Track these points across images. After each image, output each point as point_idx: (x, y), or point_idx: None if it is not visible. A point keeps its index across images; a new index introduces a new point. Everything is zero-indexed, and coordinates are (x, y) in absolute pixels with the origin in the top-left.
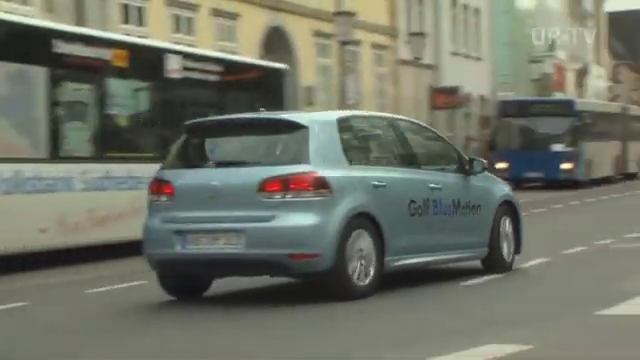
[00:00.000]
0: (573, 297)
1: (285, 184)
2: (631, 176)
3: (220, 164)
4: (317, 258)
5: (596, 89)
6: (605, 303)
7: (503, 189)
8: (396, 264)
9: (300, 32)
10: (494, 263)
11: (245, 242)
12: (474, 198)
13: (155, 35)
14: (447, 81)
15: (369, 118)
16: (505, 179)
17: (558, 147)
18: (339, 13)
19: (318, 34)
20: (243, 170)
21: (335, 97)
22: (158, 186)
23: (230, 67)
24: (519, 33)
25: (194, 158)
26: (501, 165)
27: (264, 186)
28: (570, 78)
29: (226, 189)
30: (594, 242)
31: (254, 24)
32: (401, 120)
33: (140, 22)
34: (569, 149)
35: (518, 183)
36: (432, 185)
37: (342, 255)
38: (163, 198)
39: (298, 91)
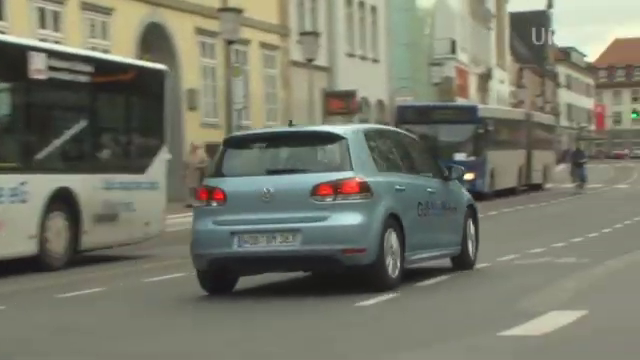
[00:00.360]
0: (475, 317)
1: (335, 188)
2: (536, 187)
3: (271, 172)
4: (364, 253)
5: (499, 94)
6: (507, 324)
7: (466, 194)
8: (412, 259)
9: (182, 29)
10: (463, 261)
11: (301, 240)
12: (452, 201)
13: (17, 31)
14: (342, 84)
15: (381, 131)
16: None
17: (460, 156)
18: (224, 9)
19: (201, 32)
20: (295, 177)
21: (221, 101)
22: (208, 193)
23: (102, 67)
24: (418, 33)
25: (240, 167)
26: None
27: (317, 190)
28: (473, 82)
29: (280, 194)
30: (497, 258)
31: (130, 20)
32: (400, 132)
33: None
34: (472, 158)
35: None
36: (429, 189)
37: (382, 250)
38: (214, 204)
39: (180, 94)
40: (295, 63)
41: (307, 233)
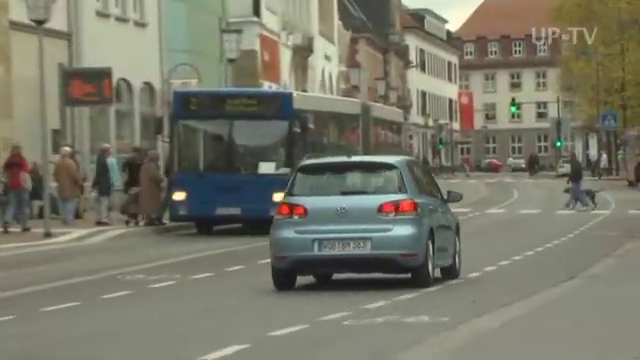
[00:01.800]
0: None
1: (396, 207)
2: None
3: (344, 192)
4: (416, 257)
5: (325, 76)
6: None
7: (455, 216)
8: (437, 263)
9: None
10: (451, 272)
11: (370, 246)
12: (449, 220)
13: None
14: (90, 59)
15: (414, 161)
16: (183, 218)
17: (266, 167)
18: None
19: None
20: (364, 197)
21: None
22: (289, 209)
23: None
24: None
25: (316, 188)
26: (178, 196)
27: (382, 208)
28: (285, 58)
29: (353, 210)
30: (321, 317)
31: None
32: (418, 161)
33: None
34: (284, 170)
35: (204, 225)
36: (440, 210)
37: (427, 255)
38: (295, 217)
39: None
40: (16, 25)
41: (376, 240)
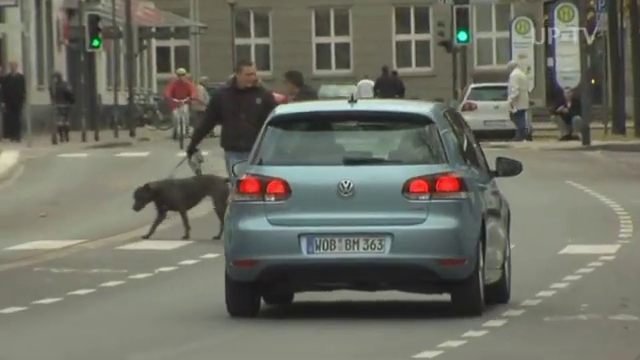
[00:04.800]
0: None
1: (432, 184)
2: None
3: (349, 161)
4: (463, 264)
5: None
6: None
7: (505, 199)
8: (486, 277)
9: None
10: (501, 291)
11: (390, 246)
12: (498, 206)
13: None
14: None
15: (452, 111)
16: None
17: None
18: None
19: None
20: (384, 168)
21: None
22: (259, 185)
23: None
24: None
25: (302, 154)
26: None
27: (410, 186)
28: None
29: (364, 189)
30: None
31: None
32: (456, 111)
33: None
34: None
35: None
36: (489, 190)
37: (478, 263)
38: (270, 198)
39: None
40: None
41: (399, 238)
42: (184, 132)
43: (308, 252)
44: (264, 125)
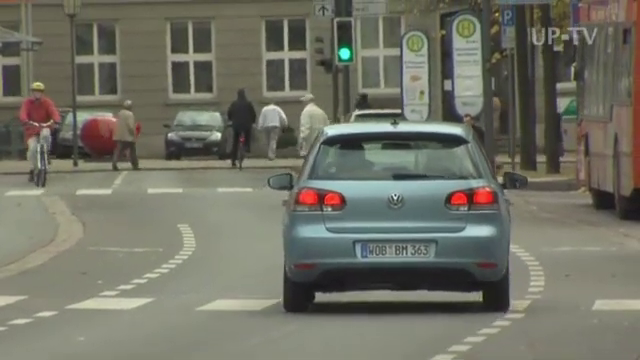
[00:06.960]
0: None
1: (470, 197)
2: None
3: (398, 176)
4: (495, 268)
5: None
6: None
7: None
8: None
9: None
10: (501, 294)
11: (435, 251)
12: (509, 217)
13: None
14: None
15: (474, 128)
16: None
17: None
18: None
19: None
20: (428, 183)
21: None
22: (317, 197)
23: None
24: None
25: (356, 169)
26: None
27: (452, 198)
28: None
29: (412, 200)
30: None
31: None
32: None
33: None
34: None
35: None
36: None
37: (507, 266)
38: (328, 209)
39: None
40: None
41: (443, 244)
42: (45, 167)
43: (362, 257)
44: (318, 144)
